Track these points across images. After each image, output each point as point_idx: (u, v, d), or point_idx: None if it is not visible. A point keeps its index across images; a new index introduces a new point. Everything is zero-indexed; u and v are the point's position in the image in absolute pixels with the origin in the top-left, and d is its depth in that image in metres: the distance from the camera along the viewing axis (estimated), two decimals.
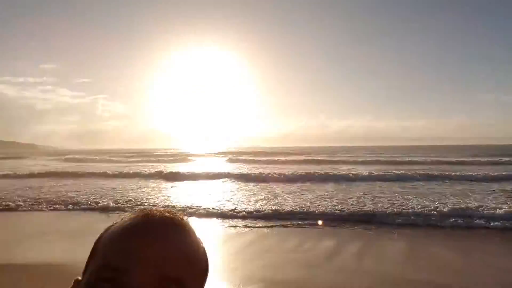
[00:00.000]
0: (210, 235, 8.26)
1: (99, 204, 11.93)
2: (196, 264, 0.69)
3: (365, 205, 10.81)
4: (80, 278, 0.69)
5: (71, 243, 7.40)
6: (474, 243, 7.21)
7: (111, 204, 12.00)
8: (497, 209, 9.37)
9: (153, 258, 0.63)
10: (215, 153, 62.79)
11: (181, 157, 47.44)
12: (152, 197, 13.70)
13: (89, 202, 12.26)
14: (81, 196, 13.48)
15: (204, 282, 0.72)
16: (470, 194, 12.79)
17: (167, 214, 0.69)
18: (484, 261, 6.10)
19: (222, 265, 5.96)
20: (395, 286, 5.11)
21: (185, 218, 0.72)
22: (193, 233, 0.71)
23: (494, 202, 10.94)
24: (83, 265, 0.70)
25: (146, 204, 12.33)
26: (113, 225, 0.71)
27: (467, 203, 10.66)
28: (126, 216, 0.71)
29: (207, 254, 0.73)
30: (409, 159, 35.69)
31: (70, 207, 11.73)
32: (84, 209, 11.43)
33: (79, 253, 6.46)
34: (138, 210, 0.71)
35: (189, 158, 46.37)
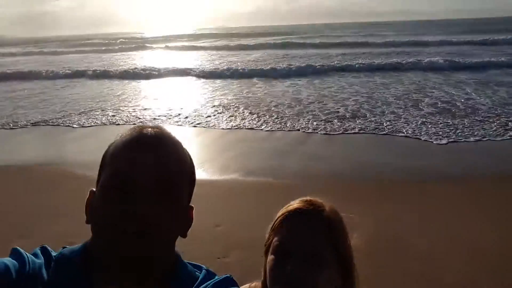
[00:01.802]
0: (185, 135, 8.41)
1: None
2: (185, 172, 0.84)
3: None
4: (94, 189, 0.82)
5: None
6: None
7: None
8: None
9: (152, 166, 0.76)
10: (178, 37, 57.46)
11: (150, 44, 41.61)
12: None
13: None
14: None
15: (193, 188, 0.88)
16: None
17: (158, 130, 0.82)
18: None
19: (199, 157, 6.24)
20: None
21: (172, 133, 0.84)
22: (182, 146, 0.85)
23: None
24: None
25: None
26: (113, 142, 0.83)
27: None
28: (124, 132, 0.83)
29: (193, 165, 0.89)
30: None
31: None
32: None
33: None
34: (133, 127, 0.84)
35: (149, 45, 40.70)
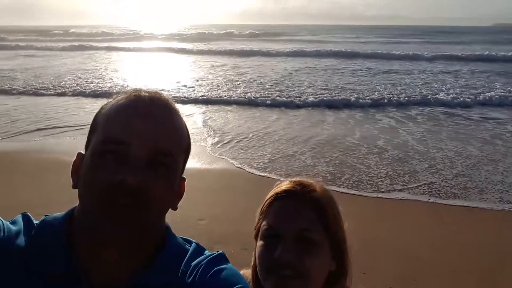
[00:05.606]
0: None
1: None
2: (182, 142, 0.79)
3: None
4: (83, 152, 0.77)
5: None
6: None
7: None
8: None
9: (149, 133, 0.71)
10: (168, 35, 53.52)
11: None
12: None
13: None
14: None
15: (187, 158, 0.84)
16: None
17: (156, 95, 0.76)
18: None
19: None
20: None
21: (171, 99, 0.79)
22: (179, 113, 0.80)
23: None
24: None
25: None
26: (106, 104, 0.77)
27: None
28: (118, 96, 0.77)
29: (189, 135, 0.84)
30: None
31: None
32: None
33: None
34: (129, 90, 0.77)
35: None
